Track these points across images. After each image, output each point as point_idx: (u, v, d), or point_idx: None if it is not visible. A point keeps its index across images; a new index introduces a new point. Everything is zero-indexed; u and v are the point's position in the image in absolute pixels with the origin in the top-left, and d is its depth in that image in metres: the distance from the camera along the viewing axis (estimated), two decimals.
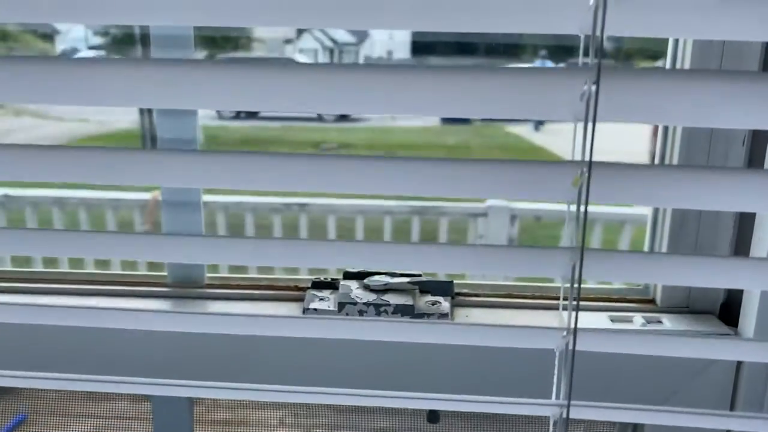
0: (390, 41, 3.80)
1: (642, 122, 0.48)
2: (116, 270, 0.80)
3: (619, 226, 2.22)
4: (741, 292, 0.67)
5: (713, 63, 0.64)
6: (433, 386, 0.69)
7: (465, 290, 0.76)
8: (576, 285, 0.49)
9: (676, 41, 0.66)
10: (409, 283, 0.73)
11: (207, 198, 0.76)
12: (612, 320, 0.71)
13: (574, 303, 0.50)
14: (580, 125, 0.47)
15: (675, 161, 0.67)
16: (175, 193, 0.74)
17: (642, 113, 0.47)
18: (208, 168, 0.49)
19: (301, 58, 3.72)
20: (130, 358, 0.70)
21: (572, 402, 0.51)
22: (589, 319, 0.71)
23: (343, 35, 3.95)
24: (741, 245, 0.69)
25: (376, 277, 0.73)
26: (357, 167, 0.49)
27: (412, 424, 0.93)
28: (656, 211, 0.73)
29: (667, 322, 0.70)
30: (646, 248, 0.74)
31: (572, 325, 0.50)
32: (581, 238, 0.47)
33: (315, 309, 0.70)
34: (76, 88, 0.47)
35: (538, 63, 3.00)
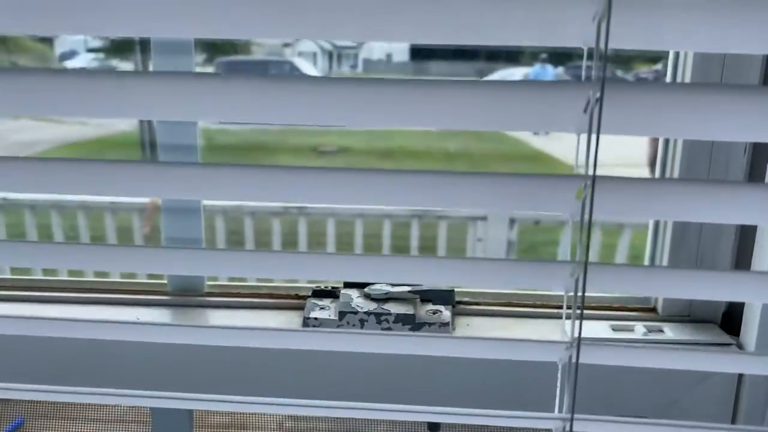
0: (389, 45, 3.80)
1: (644, 135, 0.48)
2: (116, 278, 0.79)
3: (618, 230, 2.22)
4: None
5: (714, 73, 0.64)
6: (435, 396, 0.69)
7: (466, 299, 0.75)
8: (579, 300, 0.49)
9: (677, 52, 0.66)
10: (410, 292, 0.73)
11: (206, 202, 0.76)
12: (613, 329, 0.71)
13: (578, 313, 0.49)
14: (583, 136, 0.47)
15: (676, 169, 0.67)
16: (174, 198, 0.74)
17: (644, 126, 0.47)
18: (208, 181, 0.48)
19: (300, 61, 3.72)
20: (129, 367, 0.70)
21: (575, 415, 0.51)
22: (590, 328, 0.71)
23: None
24: (742, 254, 0.68)
25: (377, 286, 0.73)
26: (358, 180, 0.49)
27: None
28: (657, 220, 0.72)
29: (669, 331, 0.70)
30: (647, 258, 0.74)
31: (575, 338, 0.50)
32: (585, 253, 0.47)
33: (316, 318, 0.70)
34: (78, 100, 0.47)
35: (538, 67, 3.00)
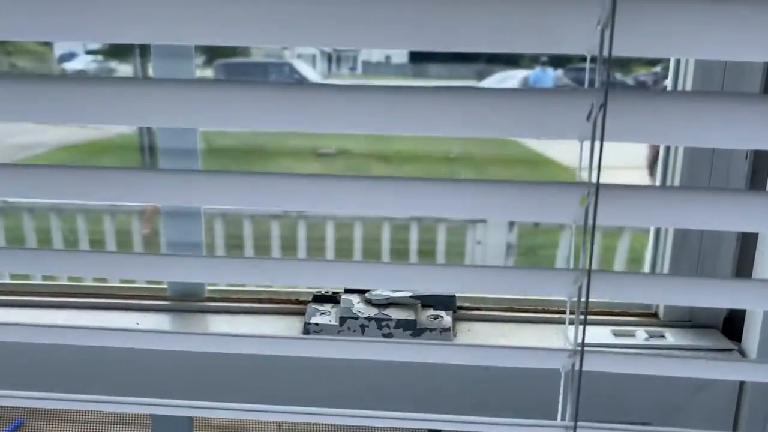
0: None
1: (647, 142, 0.48)
2: (116, 284, 0.79)
3: (617, 232, 2.22)
4: None
5: (715, 80, 0.64)
6: (436, 403, 0.68)
7: (467, 304, 0.75)
8: (582, 307, 0.49)
9: (679, 59, 0.66)
10: (410, 297, 0.72)
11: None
12: (615, 334, 0.71)
13: (581, 320, 0.49)
14: (586, 143, 0.47)
15: (677, 175, 0.67)
16: None
17: (647, 133, 0.46)
18: (208, 188, 0.48)
19: (299, 63, 3.72)
20: (129, 371, 0.70)
21: (579, 423, 0.50)
22: (591, 333, 0.71)
23: None
24: (743, 260, 0.68)
25: (378, 291, 0.73)
26: (358, 187, 0.48)
27: None
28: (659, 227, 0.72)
29: (670, 336, 0.70)
30: (648, 264, 0.74)
31: (578, 346, 0.50)
32: (588, 260, 0.47)
33: (317, 323, 0.70)
34: (78, 107, 0.47)
35: (538, 69, 3.00)
